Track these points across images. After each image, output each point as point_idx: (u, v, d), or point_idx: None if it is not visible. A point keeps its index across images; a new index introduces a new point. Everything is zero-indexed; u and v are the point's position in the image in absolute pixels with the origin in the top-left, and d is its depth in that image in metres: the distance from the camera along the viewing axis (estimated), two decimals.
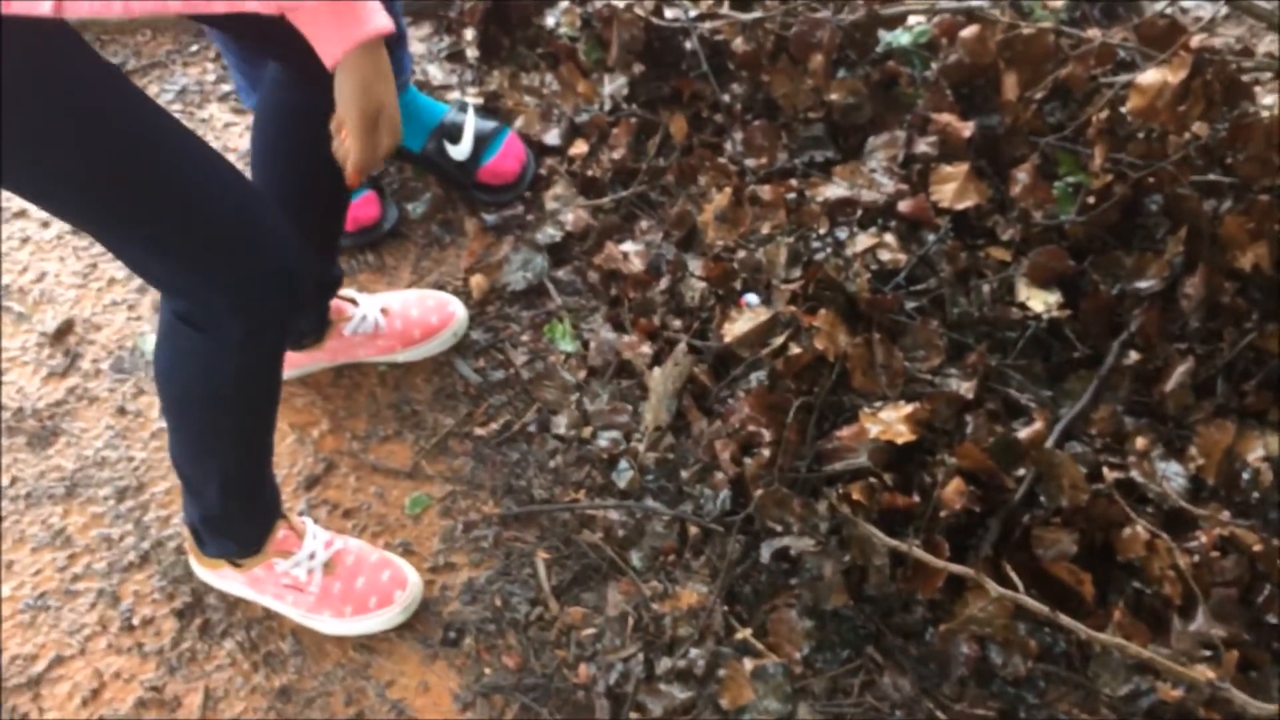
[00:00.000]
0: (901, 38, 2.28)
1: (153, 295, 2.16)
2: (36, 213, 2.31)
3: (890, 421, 1.74)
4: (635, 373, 1.98)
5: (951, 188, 2.01)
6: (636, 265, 2.07)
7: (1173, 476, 1.72)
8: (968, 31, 2.07)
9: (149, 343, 2.11)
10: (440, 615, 1.80)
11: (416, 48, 2.49)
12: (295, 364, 2.00)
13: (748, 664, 1.68)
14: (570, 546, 1.84)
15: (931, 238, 1.97)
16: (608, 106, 2.31)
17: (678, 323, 2.00)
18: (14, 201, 2.32)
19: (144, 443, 2.00)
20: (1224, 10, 2.05)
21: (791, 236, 1.99)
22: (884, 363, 1.82)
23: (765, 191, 2.05)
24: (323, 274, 1.87)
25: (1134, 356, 1.83)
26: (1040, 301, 1.90)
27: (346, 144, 1.36)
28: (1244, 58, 1.94)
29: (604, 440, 1.93)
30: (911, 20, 2.27)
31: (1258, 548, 1.62)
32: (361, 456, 1.96)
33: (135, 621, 1.82)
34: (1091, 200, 1.95)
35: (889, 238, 1.97)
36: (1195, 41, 1.81)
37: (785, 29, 2.21)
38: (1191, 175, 1.92)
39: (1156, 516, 1.68)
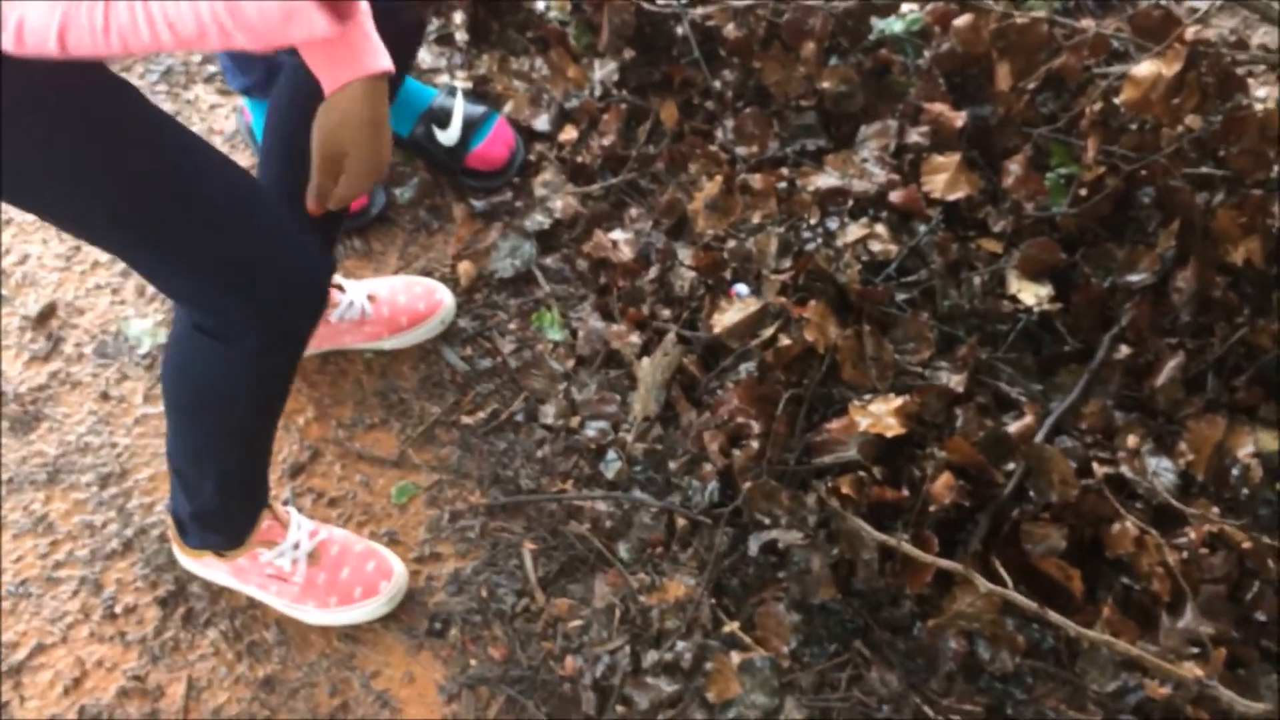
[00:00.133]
0: (894, 25, 2.26)
1: (136, 279, 2.14)
2: None
3: (880, 414, 1.72)
4: (623, 362, 1.97)
5: (943, 178, 2.00)
6: (626, 253, 2.06)
7: (1162, 472, 1.72)
8: (961, 20, 2.06)
9: (132, 327, 2.09)
10: (426, 606, 1.79)
11: None
12: None
13: (735, 657, 1.68)
14: (557, 537, 1.83)
15: (923, 229, 1.96)
16: (598, 92, 2.28)
17: (667, 312, 1.99)
18: None
19: (127, 429, 1.98)
20: (1219, 2, 2.04)
21: (782, 226, 1.98)
22: (874, 355, 1.81)
23: (756, 180, 2.03)
24: None
25: (1125, 350, 1.83)
26: (1031, 294, 1.89)
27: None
28: (1238, 50, 1.93)
29: (592, 430, 1.92)
30: (904, 8, 2.26)
31: (1247, 545, 1.62)
32: (347, 445, 1.95)
33: (118, 610, 1.80)
34: (1084, 192, 1.94)
35: (880, 228, 1.96)
36: (1190, 34, 1.79)
37: (777, 15, 2.19)
38: (1184, 168, 1.92)
39: (1146, 512, 1.68)
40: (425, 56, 2.40)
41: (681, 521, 1.80)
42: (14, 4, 1.01)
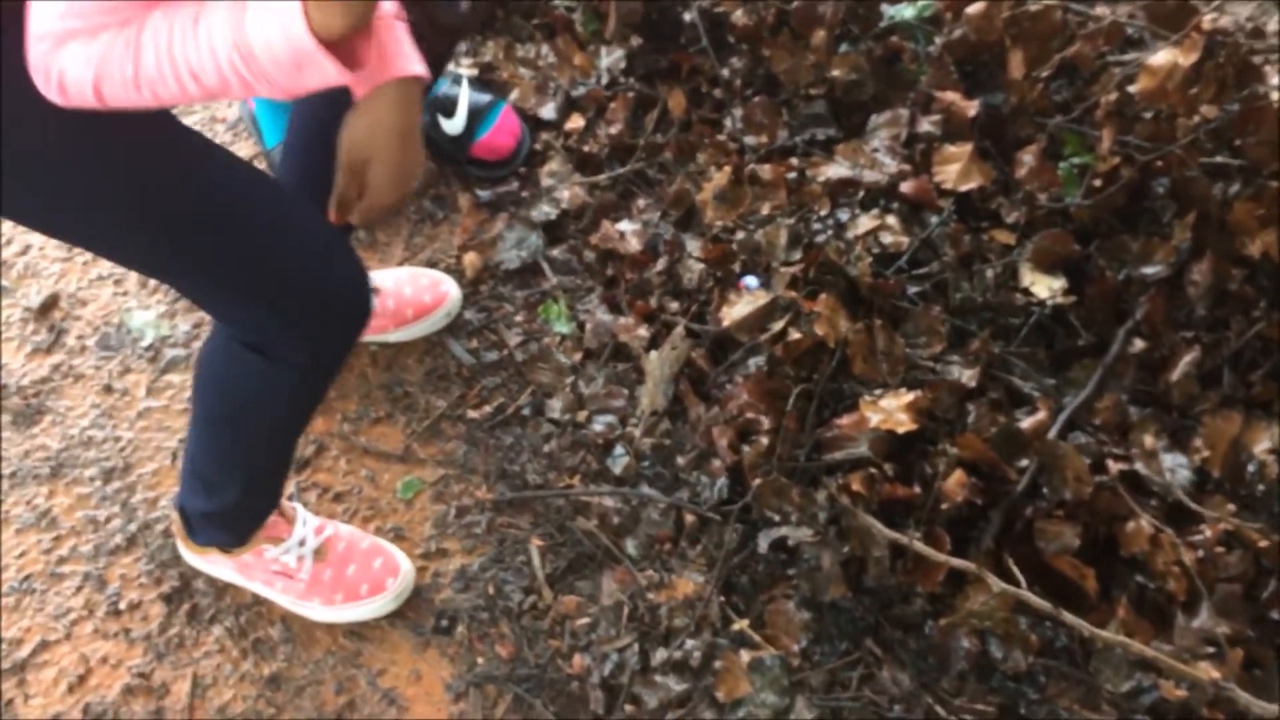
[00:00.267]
0: (905, 11, 2.23)
1: None
2: None
3: (891, 410, 1.70)
4: (631, 355, 1.94)
5: (955, 168, 1.97)
6: (633, 245, 2.03)
7: (1177, 469, 1.70)
8: (974, 8, 2.03)
9: (135, 319, 2.07)
10: (432, 603, 1.77)
11: None
12: None
13: (744, 656, 1.66)
14: (565, 534, 1.81)
15: (934, 220, 1.94)
16: (605, 80, 2.26)
17: (675, 305, 1.96)
18: None
19: (130, 422, 1.96)
20: None
21: (792, 218, 1.95)
22: (885, 349, 1.79)
23: (765, 171, 2.01)
24: None
25: (1139, 345, 1.80)
26: (1044, 287, 1.86)
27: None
28: (1256, 39, 1.90)
29: (599, 425, 1.89)
30: None
31: (1263, 543, 1.59)
32: (352, 439, 1.93)
33: (122, 606, 1.79)
34: (1098, 183, 1.91)
35: (891, 220, 1.93)
36: (1207, 22, 1.76)
37: (787, 2, 2.16)
38: (1200, 158, 1.89)
39: (1161, 509, 1.66)
40: None
41: (690, 518, 1.78)
42: (55, 58, 1.04)
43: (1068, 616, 1.51)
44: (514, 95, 2.25)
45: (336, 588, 1.73)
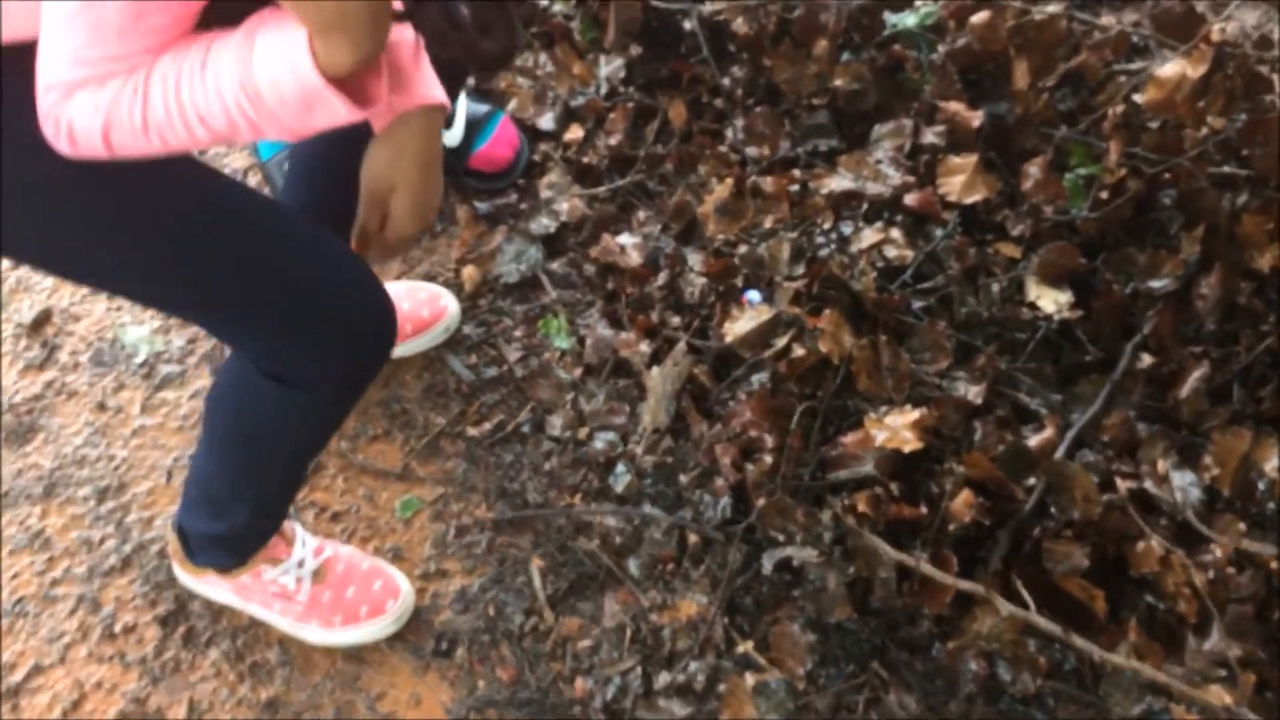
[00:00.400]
0: (907, 20, 2.21)
1: None
2: None
3: (896, 428, 1.68)
4: (633, 371, 1.92)
5: (960, 180, 1.95)
6: (634, 258, 2.01)
7: (1187, 487, 1.67)
8: (978, 18, 2.00)
9: (129, 334, 2.04)
10: (432, 625, 1.74)
11: None
12: None
13: (749, 679, 1.64)
14: (566, 554, 1.79)
15: (939, 233, 1.91)
16: (604, 90, 2.23)
17: (676, 320, 1.94)
18: None
19: (125, 440, 1.94)
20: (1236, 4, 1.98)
21: (795, 231, 1.93)
22: (890, 365, 1.77)
23: (767, 183, 1.98)
24: None
25: (1147, 360, 1.78)
26: (1051, 301, 1.84)
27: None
28: (1263, 49, 1.88)
29: (600, 442, 1.87)
30: (918, 1, 2.20)
31: (1274, 564, 1.57)
32: (350, 457, 1.90)
33: (117, 629, 1.76)
34: (1104, 195, 1.89)
35: (895, 233, 1.91)
36: (1215, 34, 1.74)
37: (788, 11, 2.14)
38: (1208, 168, 1.87)
39: (1170, 528, 1.64)
40: None
41: (693, 537, 1.76)
42: (64, 108, 1.03)
43: (1078, 640, 1.49)
44: (512, 105, 2.23)
45: (335, 610, 1.70)
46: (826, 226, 1.93)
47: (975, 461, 1.66)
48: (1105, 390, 1.76)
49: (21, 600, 1.79)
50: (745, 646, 1.68)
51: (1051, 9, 2.03)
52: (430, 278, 2.07)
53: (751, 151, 2.08)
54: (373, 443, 1.92)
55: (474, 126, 2.12)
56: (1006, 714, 1.60)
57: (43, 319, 2.07)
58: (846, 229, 1.93)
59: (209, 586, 1.74)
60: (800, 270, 1.88)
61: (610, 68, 2.24)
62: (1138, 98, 1.90)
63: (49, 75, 1.03)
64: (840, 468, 1.71)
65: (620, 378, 1.93)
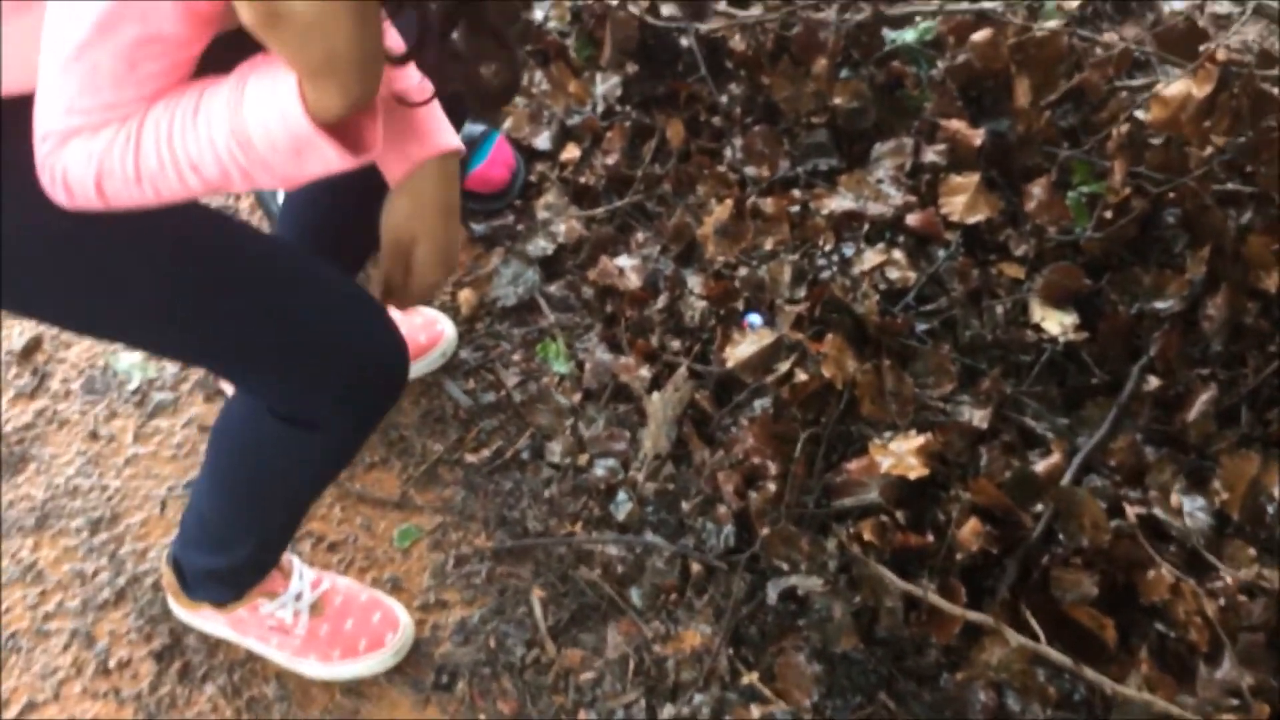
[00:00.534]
0: (906, 35, 2.19)
1: None
2: None
3: (901, 454, 1.66)
4: (633, 397, 1.89)
5: (962, 200, 1.93)
6: (633, 281, 1.98)
7: (1195, 512, 1.65)
8: (979, 35, 1.99)
9: (121, 361, 2.02)
10: (432, 657, 1.72)
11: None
12: None
13: (755, 711, 1.61)
14: (567, 583, 1.76)
15: (942, 254, 1.89)
16: (600, 108, 2.21)
17: (677, 344, 1.91)
18: None
19: (117, 470, 1.91)
20: (1248, 16, 1.96)
21: (796, 253, 1.90)
22: (894, 390, 1.75)
23: (767, 204, 1.96)
24: None
25: (1154, 382, 1.76)
26: (1055, 323, 1.82)
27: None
28: (1266, 66, 1.86)
29: (601, 469, 1.84)
30: (916, 17, 2.18)
31: None
32: (347, 485, 1.87)
33: (111, 664, 1.73)
34: (1108, 215, 1.87)
35: (897, 254, 1.89)
36: (1222, 54, 1.72)
37: (786, 28, 2.12)
38: (1212, 186, 1.85)
39: (1180, 554, 1.62)
40: None
41: (696, 566, 1.74)
42: (58, 157, 1.01)
43: (1089, 673, 1.47)
44: (507, 124, 2.20)
45: (333, 644, 1.67)
46: (828, 248, 1.91)
47: (982, 488, 1.64)
48: (1112, 414, 1.74)
49: (14, 635, 1.76)
50: (750, 678, 1.65)
51: (1051, 25, 2.01)
52: (426, 301, 2.05)
53: (750, 171, 2.06)
54: (370, 470, 1.89)
55: (470, 147, 2.10)
56: None
57: (33, 346, 2.04)
58: (848, 250, 1.91)
59: (204, 621, 1.71)
60: (802, 293, 1.86)
61: (606, 86, 2.22)
62: (1140, 113, 1.89)
63: (44, 124, 1.01)
64: (845, 495, 1.69)
65: (620, 403, 1.91)
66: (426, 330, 1.96)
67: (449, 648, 1.72)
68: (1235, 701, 1.51)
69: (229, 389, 1.80)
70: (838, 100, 2.07)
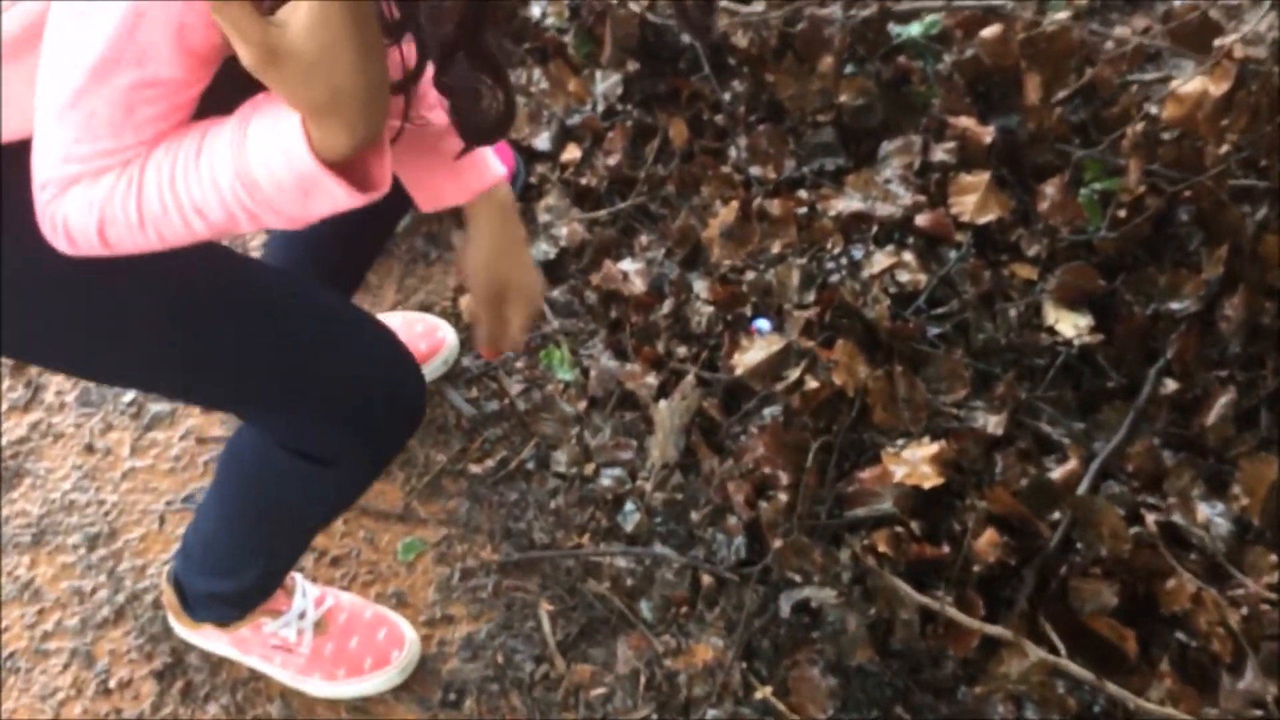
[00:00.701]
0: (912, 29, 2.15)
1: None
2: None
3: (915, 462, 1.63)
4: (639, 404, 1.86)
5: (972, 199, 1.89)
6: (637, 286, 1.94)
7: (1215, 518, 1.62)
8: (989, 31, 1.95)
9: None
10: (438, 674, 1.68)
11: None
12: None
13: None
14: (575, 596, 1.73)
15: (953, 255, 1.86)
16: (601, 107, 2.17)
17: (683, 350, 1.88)
18: None
19: (114, 484, 1.87)
20: (1265, 13, 1.92)
21: (804, 256, 1.87)
22: (906, 396, 1.71)
23: (774, 206, 1.92)
24: None
25: (1171, 385, 1.72)
26: (1070, 325, 1.79)
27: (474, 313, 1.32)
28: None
29: (607, 479, 1.81)
30: (923, 10, 2.14)
31: None
32: None
33: (112, 684, 1.70)
34: (1122, 213, 1.83)
35: (907, 256, 1.85)
36: (1238, 50, 1.68)
37: (790, 24, 2.08)
38: (1229, 182, 1.81)
39: (1201, 563, 1.59)
40: None
41: (707, 579, 1.70)
42: (59, 205, 0.98)
43: (1111, 687, 1.44)
44: None
45: (339, 662, 1.64)
46: (836, 251, 1.87)
47: (998, 497, 1.60)
48: (1129, 418, 1.71)
49: (13, 655, 1.73)
50: (764, 692, 1.62)
51: (1061, 18, 1.97)
52: (426, 308, 2.01)
53: (755, 171, 2.02)
54: None
55: None
56: None
57: None
58: (857, 253, 1.87)
59: (207, 640, 1.68)
60: (811, 297, 1.82)
61: (607, 84, 2.17)
62: (1152, 108, 1.85)
63: (43, 172, 0.98)
64: (858, 505, 1.66)
65: (626, 410, 1.87)
66: (427, 338, 1.92)
67: (456, 664, 1.69)
68: (1259, 713, 1.48)
69: None
70: (844, 98, 2.03)
